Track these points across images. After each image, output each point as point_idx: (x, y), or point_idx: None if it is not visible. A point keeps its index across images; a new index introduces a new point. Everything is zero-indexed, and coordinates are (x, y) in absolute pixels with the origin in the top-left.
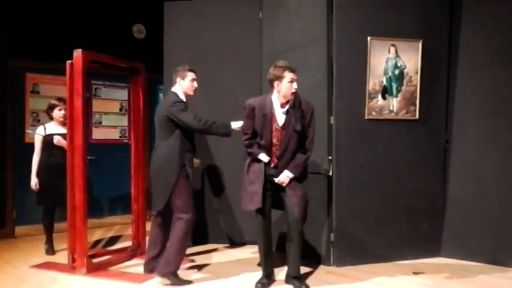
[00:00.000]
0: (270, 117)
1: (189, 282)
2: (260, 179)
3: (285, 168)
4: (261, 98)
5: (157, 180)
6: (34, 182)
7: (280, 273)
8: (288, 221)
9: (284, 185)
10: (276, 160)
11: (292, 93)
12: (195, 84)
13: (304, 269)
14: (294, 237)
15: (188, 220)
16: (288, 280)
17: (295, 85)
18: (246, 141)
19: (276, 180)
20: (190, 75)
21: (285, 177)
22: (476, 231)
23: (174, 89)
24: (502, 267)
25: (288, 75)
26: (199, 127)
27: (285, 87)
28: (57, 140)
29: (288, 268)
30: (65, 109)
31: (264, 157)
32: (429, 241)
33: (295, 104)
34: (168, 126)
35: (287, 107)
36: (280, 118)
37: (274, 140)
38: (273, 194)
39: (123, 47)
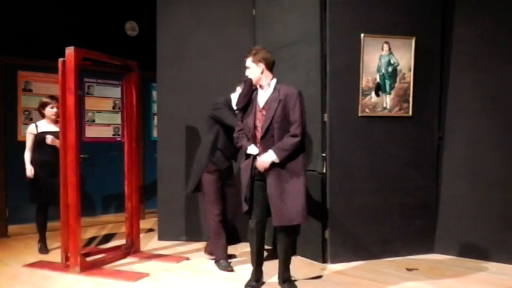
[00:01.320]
0: (255, 99)
1: (230, 269)
2: (247, 173)
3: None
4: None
5: (193, 168)
6: (29, 168)
7: (270, 270)
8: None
9: (266, 166)
10: (259, 146)
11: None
12: None
13: (298, 266)
14: (282, 239)
15: (212, 217)
16: (279, 282)
17: (247, 71)
18: (238, 132)
19: (258, 160)
20: None
21: (266, 157)
22: (470, 227)
23: (232, 94)
24: (495, 263)
25: None
26: (230, 122)
27: None
28: (51, 139)
29: (278, 270)
30: (57, 107)
31: (253, 150)
32: (423, 238)
33: (275, 90)
34: (210, 123)
35: (264, 90)
36: (261, 99)
37: (257, 122)
38: (265, 195)
39: (115, 45)
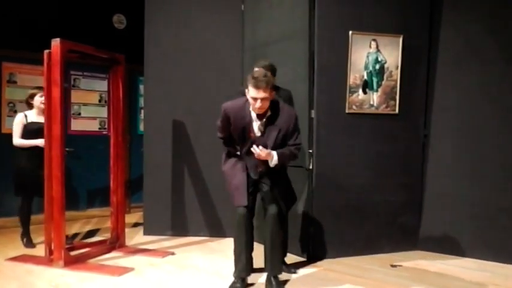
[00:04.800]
0: (248, 128)
1: None
2: (242, 173)
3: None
4: (238, 105)
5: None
6: (40, 141)
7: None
8: (266, 216)
9: (261, 156)
10: (258, 168)
11: (258, 111)
12: None
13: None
14: (269, 233)
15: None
16: (267, 283)
17: (258, 103)
18: (222, 140)
19: (258, 149)
20: None
21: (268, 153)
22: (453, 225)
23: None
24: (478, 260)
25: (251, 91)
26: None
27: (249, 101)
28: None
29: (266, 267)
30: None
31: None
32: (407, 234)
33: (272, 117)
34: None
35: (264, 119)
36: (258, 130)
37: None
38: (254, 188)
39: (103, 37)
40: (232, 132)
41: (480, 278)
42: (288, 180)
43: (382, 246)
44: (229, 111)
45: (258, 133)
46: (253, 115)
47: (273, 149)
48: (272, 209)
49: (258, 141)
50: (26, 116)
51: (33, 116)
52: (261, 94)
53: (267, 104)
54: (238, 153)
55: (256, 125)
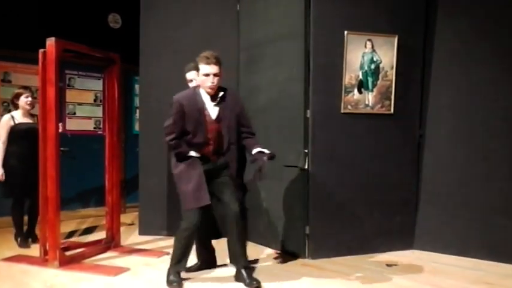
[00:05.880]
0: (203, 111)
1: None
2: (199, 174)
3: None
4: (189, 93)
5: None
6: (0, 172)
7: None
8: (227, 214)
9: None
10: (214, 156)
11: (211, 88)
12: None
13: (279, 261)
14: (236, 230)
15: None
16: (238, 275)
17: (211, 79)
18: (173, 142)
19: (264, 159)
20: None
21: (267, 155)
22: (449, 224)
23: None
24: (473, 259)
25: (203, 69)
26: None
27: (200, 80)
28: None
29: (235, 261)
30: (31, 97)
31: (194, 154)
32: (402, 234)
33: (224, 98)
34: None
35: (217, 100)
36: (213, 112)
37: (209, 135)
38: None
39: (98, 37)
40: (187, 121)
41: (475, 277)
42: (242, 170)
43: (378, 246)
44: (181, 100)
45: (213, 116)
46: (205, 98)
47: (230, 130)
48: (234, 207)
49: (213, 125)
50: (13, 117)
51: (20, 116)
52: (214, 69)
53: (219, 81)
54: (192, 153)
55: (210, 108)
